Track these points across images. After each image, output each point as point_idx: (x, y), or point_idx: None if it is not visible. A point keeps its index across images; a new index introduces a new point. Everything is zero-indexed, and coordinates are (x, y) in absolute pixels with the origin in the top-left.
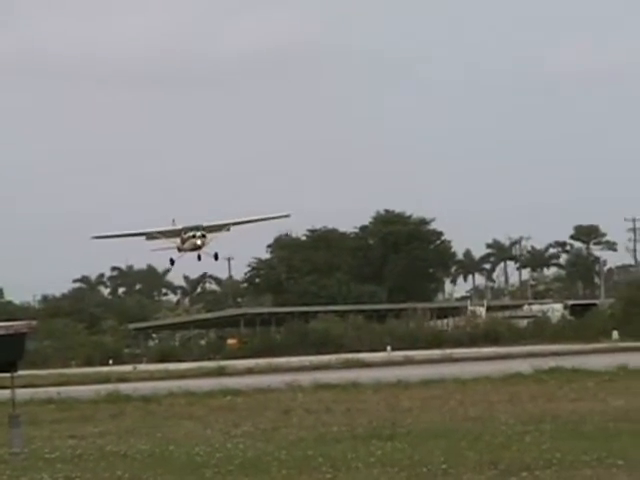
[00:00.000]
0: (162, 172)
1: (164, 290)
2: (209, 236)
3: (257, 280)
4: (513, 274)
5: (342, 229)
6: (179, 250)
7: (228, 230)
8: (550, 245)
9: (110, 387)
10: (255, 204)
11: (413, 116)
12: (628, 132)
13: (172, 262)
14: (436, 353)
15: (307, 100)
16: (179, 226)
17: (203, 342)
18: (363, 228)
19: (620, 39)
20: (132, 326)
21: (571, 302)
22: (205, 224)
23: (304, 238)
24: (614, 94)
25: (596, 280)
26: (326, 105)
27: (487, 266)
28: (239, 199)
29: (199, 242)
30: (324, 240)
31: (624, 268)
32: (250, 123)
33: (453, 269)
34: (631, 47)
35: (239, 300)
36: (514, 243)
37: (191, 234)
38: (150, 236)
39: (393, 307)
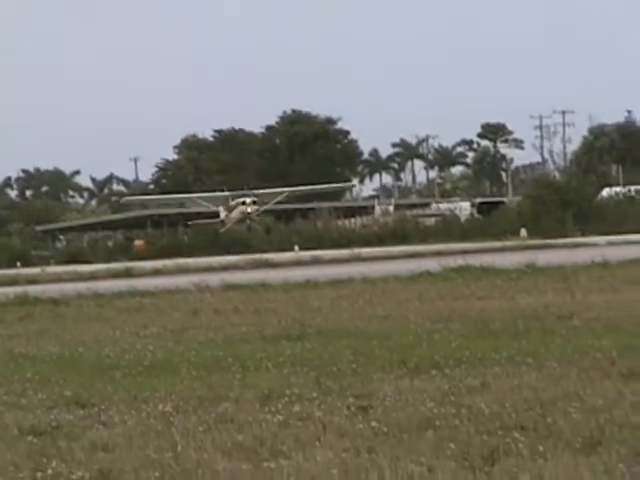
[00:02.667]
0: None
1: (71, 192)
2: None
3: (164, 181)
4: (420, 173)
5: (249, 129)
6: (223, 222)
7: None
8: (457, 143)
9: (18, 289)
10: (159, 109)
11: (325, 18)
12: (534, 31)
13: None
14: (344, 253)
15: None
16: (226, 192)
17: (110, 244)
18: (270, 128)
19: None
20: (39, 228)
21: (478, 200)
22: (257, 192)
23: (211, 139)
24: None
25: (503, 178)
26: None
27: (394, 165)
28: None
29: (250, 210)
30: (231, 141)
31: (531, 166)
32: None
33: (360, 168)
34: None
35: None
36: (421, 142)
37: (241, 200)
38: (192, 202)
39: (300, 207)
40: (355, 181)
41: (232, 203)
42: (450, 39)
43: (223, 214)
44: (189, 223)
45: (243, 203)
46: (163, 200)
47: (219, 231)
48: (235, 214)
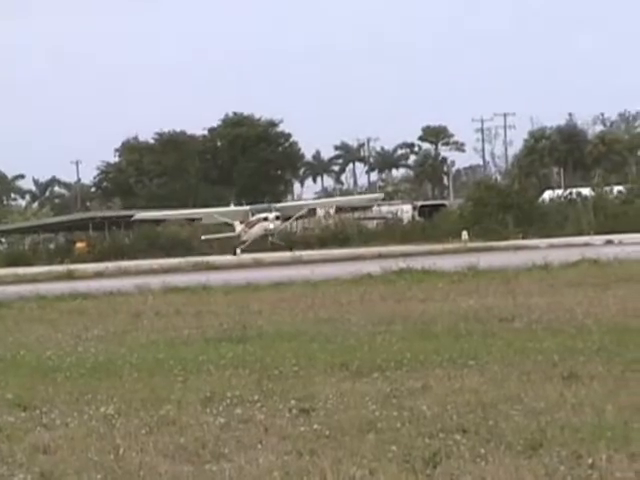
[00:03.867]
0: None
1: (13, 195)
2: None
3: (106, 184)
4: (362, 175)
5: (191, 132)
6: (241, 238)
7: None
8: (398, 146)
9: None
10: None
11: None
12: (474, 34)
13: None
14: (285, 255)
15: None
16: (246, 207)
17: (52, 246)
18: (211, 131)
19: None
20: None
21: (420, 203)
22: (278, 205)
23: (152, 141)
24: None
25: (445, 181)
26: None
27: (336, 168)
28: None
29: (272, 226)
30: (173, 143)
31: (472, 168)
32: None
33: (302, 171)
34: None
35: (88, 204)
36: (362, 145)
37: (263, 216)
38: (209, 217)
39: (241, 209)
40: (297, 184)
41: (252, 218)
42: (391, 41)
43: (239, 227)
44: (202, 238)
45: (265, 219)
46: (178, 216)
47: (237, 249)
48: (256, 230)
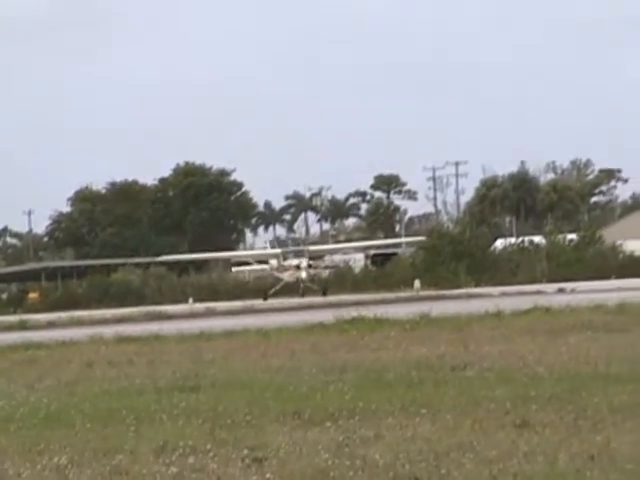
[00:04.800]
0: None
1: None
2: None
3: (58, 233)
4: (314, 225)
5: (142, 181)
6: (274, 274)
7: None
8: (350, 195)
9: None
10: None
11: (214, 67)
12: (425, 83)
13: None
14: (238, 304)
15: None
16: (277, 249)
17: (4, 296)
18: (163, 180)
19: None
20: None
21: (372, 252)
22: (311, 248)
23: (104, 191)
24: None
25: (397, 229)
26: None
27: (288, 217)
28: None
29: (304, 275)
30: (124, 192)
31: (424, 217)
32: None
33: (254, 220)
34: None
35: (40, 254)
36: (315, 194)
37: (295, 263)
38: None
39: (195, 258)
40: (249, 234)
41: (284, 263)
42: (342, 89)
43: (273, 263)
44: (234, 270)
45: (297, 267)
46: (207, 257)
47: (267, 294)
48: (287, 276)
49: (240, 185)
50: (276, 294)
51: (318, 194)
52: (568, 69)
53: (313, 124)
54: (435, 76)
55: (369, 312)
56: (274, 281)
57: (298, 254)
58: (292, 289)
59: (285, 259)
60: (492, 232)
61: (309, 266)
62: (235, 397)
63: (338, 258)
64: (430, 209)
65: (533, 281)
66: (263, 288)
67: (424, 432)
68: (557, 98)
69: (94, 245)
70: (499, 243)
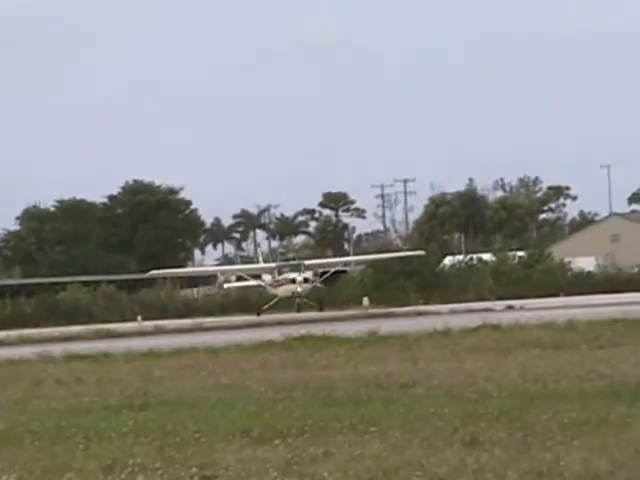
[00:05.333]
0: None
1: None
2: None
3: (6, 252)
4: (263, 242)
5: (91, 199)
6: (267, 290)
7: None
8: (299, 213)
9: None
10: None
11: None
12: (374, 101)
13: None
14: (187, 322)
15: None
16: (272, 263)
17: None
18: (112, 198)
19: None
20: None
21: (321, 270)
22: (307, 262)
23: (52, 209)
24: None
25: (346, 247)
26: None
27: (236, 235)
28: None
29: (300, 290)
30: (73, 210)
31: (373, 234)
32: None
33: (202, 238)
34: None
35: None
36: (263, 211)
37: (290, 277)
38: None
39: (143, 277)
40: (198, 252)
41: (280, 278)
42: (288, 108)
43: (267, 278)
44: (225, 286)
45: (293, 281)
46: (200, 273)
47: (261, 309)
48: (283, 291)
49: (188, 203)
50: (270, 309)
51: (267, 211)
52: (514, 87)
53: (260, 141)
54: (380, 94)
55: (318, 330)
56: (222, 299)
57: (294, 268)
58: (287, 304)
59: (280, 273)
60: (441, 249)
61: (305, 280)
62: (184, 415)
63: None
64: (379, 227)
65: (482, 298)
66: (210, 306)
67: (373, 450)
68: (504, 116)
69: (43, 263)
70: (448, 260)
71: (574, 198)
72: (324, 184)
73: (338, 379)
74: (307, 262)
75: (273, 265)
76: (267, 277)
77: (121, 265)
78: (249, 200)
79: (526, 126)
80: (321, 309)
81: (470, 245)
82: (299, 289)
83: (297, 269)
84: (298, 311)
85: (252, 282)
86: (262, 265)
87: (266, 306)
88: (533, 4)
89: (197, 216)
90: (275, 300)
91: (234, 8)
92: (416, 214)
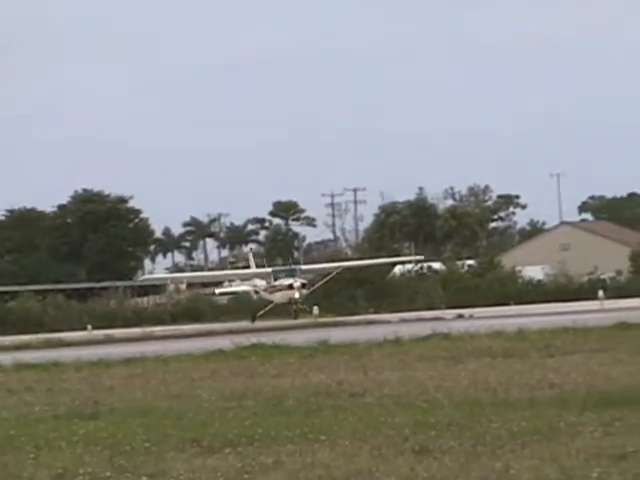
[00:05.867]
0: None
1: None
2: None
3: None
4: (212, 251)
5: (41, 208)
6: (261, 297)
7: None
8: (249, 221)
9: None
10: None
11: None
12: (321, 110)
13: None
14: (137, 331)
15: None
16: (267, 268)
17: None
18: (62, 207)
19: None
20: None
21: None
22: (304, 267)
23: (2, 218)
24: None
25: (296, 255)
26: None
27: (187, 244)
28: None
29: (297, 295)
30: (23, 219)
31: (323, 243)
32: None
33: (152, 247)
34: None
35: None
36: (213, 220)
37: (287, 283)
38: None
39: (93, 286)
40: (148, 261)
41: (276, 283)
42: (232, 117)
43: (260, 284)
44: (217, 292)
45: (289, 287)
46: (191, 279)
47: (255, 315)
48: (279, 297)
49: (138, 212)
50: (265, 315)
51: (217, 220)
52: (463, 96)
53: (211, 149)
54: (329, 103)
55: (268, 339)
56: (172, 308)
57: (290, 273)
58: (282, 311)
59: (276, 279)
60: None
61: (302, 286)
62: (134, 424)
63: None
64: (329, 236)
65: (432, 307)
66: (160, 315)
67: (323, 458)
68: (455, 124)
69: None
70: (397, 270)
71: (524, 207)
72: (274, 193)
73: (288, 388)
74: (303, 267)
75: (268, 270)
76: (261, 282)
77: (71, 274)
78: (199, 209)
79: (476, 134)
80: (318, 317)
81: (420, 254)
82: (296, 295)
83: (292, 274)
84: (295, 318)
85: (244, 287)
86: (256, 270)
87: (261, 312)
88: (494, 13)
89: (147, 225)
90: (270, 306)
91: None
92: (366, 223)
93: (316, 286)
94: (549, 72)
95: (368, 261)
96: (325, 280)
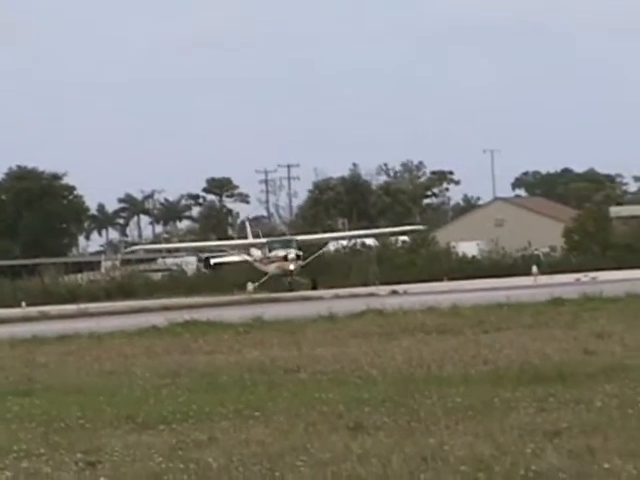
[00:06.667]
0: None
1: None
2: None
3: None
4: (147, 228)
5: None
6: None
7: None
8: (182, 198)
9: None
10: None
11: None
12: (247, 83)
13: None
14: (71, 308)
15: None
16: (262, 239)
17: None
18: None
19: None
20: None
21: (205, 255)
22: (300, 238)
23: None
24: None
25: (230, 232)
26: None
27: (121, 220)
28: None
29: (292, 267)
30: None
31: (257, 220)
32: None
33: (86, 224)
34: None
35: None
36: (147, 197)
37: (282, 254)
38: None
39: (27, 262)
40: (82, 238)
41: (270, 254)
42: (169, 94)
43: (256, 254)
44: (212, 262)
45: (285, 258)
46: (186, 249)
47: (249, 286)
48: (274, 268)
49: (72, 189)
50: (260, 287)
51: (151, 197)
52: (397, 73)
53: (145, 126)
54: (266, 80)
55: (202, 315)
56: (106, 285)
57: (285, 244)
58: (277, 282)
59: (271, 250)
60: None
61: (298, 257)
62: (69, 401)
63: (171, 261)
64: (262, 212)
65: (366, 284)
66: (95, 292)
67: (258, 435)
68: (388, 101)
69: None
70: (331, 246)
71: (457, 183)
72: (208, 169)
73: (223, 365)
74: (299, 238)
75: (263, 241)
76: (256, 252)
77: (5, 251)
78: (134, 186)
79: (409, 111)
80: (314, 288)
81: (354, 230)
82: (291, 267)
83: (288, 245)
84: (290, 290)
85: (238, 258)
86: (251, 241)
87: (256, 284)
88: None
89: (81, 202)
90: (265, 278)
91: None
92: (300, 199)
93: (311, 258)
94: (482, 50)
95: (367, 231)
96: (320, 252)
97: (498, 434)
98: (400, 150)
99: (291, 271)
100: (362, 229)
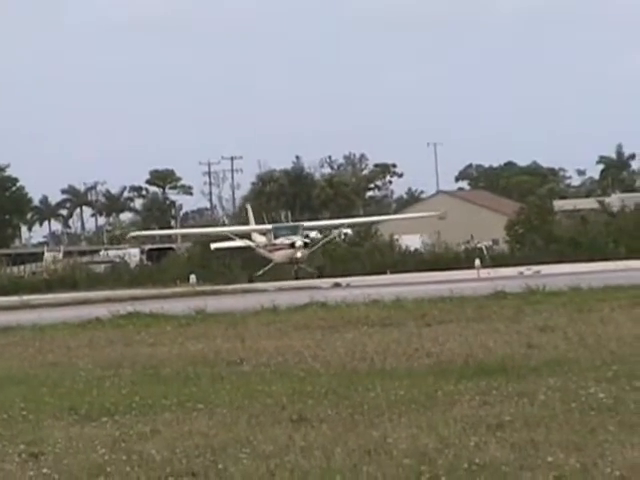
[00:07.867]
0: None
1: None
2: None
3: None
4: (89, 220)
5: None
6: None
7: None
8: (125, 189)
9: None
10: None
11: None
12: (189, 79)
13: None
14: (13, 300)
15: None
16: (268, 225)
17: None
18: None
19: None
20: None
21: (147, 247)
22: (307, 224)
23: None
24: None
25: (173, 224)
26: None
27: (63, 212)
28: None
29: (299, 255)
30: None
31: (200, 211)
32: None
33: (29, 215)
34: None
35: None
36: (90, 188)
37: (289, 242)
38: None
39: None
40: (25, 229)
41: (276, 242)
42: (116, 86)
43: (260, 239)
44: (212, 247)
45: (291, 245)
46: (187, 234)
47: (253, 276)
48: (280, 256)
49: (15, 180)
50: (264, 275)
51: (93, 188)
52: (343, 65)
53: (87, 117)
54: (196, 68)
55: (145, 307)
56: (48, 276)
57: (292, 230)
58: (283, 270)
59: (277, 236)
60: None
61: (305, 245)
62: (11, 393)
63: (113, 253)
64: (206, 204)
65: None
66: (37, 284)
67: (201, 427)
68: (331, 93)
69: None
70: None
71: (400, 175)
72: (151, 161)
73: (165, 357)
74: (306, 224)
75: (269, 227)
76: (260, 238)
77: None
78: (77, 177)
79: (353, 103)
80: (320, 276)
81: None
82: (298, 254)
83: (295, 231)
84: (296, 278)
85: (240, 243)
86: (256, 226)
87: (260, 272)
88: None
89: (24, 193)
90: (270, 266)
91: None
92: (243, 191)
93: (318, 244)
94: (425, 41)
95: (374, 217)
96: (328, 239)
97: (441, 427)
98: (343, 143)
99: (298, 259)
100: (305, 221)
